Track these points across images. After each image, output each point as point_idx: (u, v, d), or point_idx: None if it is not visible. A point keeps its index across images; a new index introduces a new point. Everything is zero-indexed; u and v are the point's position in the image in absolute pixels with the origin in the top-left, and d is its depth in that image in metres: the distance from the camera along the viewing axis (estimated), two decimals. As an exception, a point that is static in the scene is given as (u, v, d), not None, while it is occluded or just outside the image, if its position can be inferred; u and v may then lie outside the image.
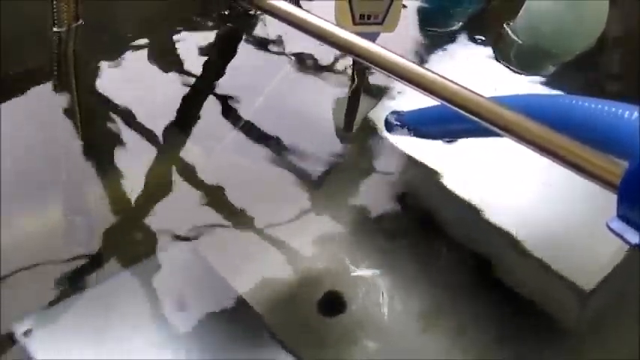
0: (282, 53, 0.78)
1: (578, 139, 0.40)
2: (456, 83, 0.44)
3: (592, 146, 0.39)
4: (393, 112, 0.69)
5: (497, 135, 0.42)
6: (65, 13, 0.72)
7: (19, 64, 0.70)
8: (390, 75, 0.47)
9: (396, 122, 0.68)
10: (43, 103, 0.67)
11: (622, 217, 0.37)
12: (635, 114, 0.42)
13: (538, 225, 0.62)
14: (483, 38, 0.83)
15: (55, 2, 0.71)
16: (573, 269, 0.58)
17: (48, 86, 0.69)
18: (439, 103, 0.46)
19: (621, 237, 0.37)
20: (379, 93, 0.74)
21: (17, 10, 0.73)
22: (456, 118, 0.44)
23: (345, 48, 0.49)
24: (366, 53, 0.47)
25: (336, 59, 0.77)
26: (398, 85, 0.73)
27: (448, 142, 0.68)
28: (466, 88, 0.44)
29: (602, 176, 0.38)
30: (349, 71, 0.75)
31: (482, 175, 0.67)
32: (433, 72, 0.45)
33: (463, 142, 0.67)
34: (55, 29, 0.73)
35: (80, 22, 0.74)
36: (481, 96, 0.43)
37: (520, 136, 0.41)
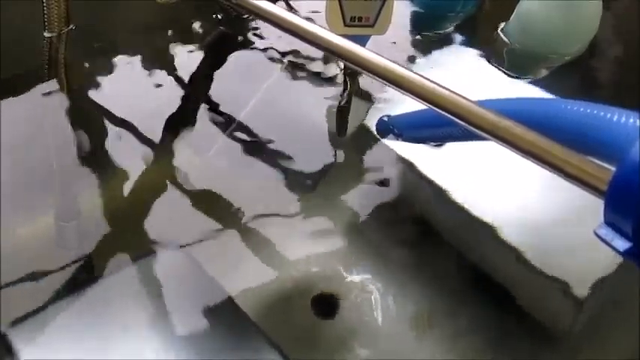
0: (276, 56, 0.78)
1: (566, 142, 0.39)
2: (443, 87, 0.43)
3: (580, 150, 0.39)
4: (384, 116, 0.68)
5: (484, 139, 0.42)
6: (56, 17, 0.72)
7: (17, 66, 0.70)
8: (377, 78, 0.46)
9: (385, 126, 0.68)
10: (37, 107, 0.67)
11: (609, 223, 0.37)
12: (624, 118, 0.42)
13: (534, 228, 0.62)
14: (476, 42, 0.83)
15: (45, 7, 0.71)
16: (569, 273, 0.58)
17: (43, 89, 0.69)
18: (426, 107, 0.45)
19: (609, 244, 0.37)
20: (373, 96, 0.74)
21: (17, 11, 0.74)
22: (442, 122, 0.43)
23: (332, 50, 0.48)
24: (353, 56, 0.47)
25: (330, 61, 0.77)
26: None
27: (436, 145, 0.67)
28: (454, 92, 0.43)
29: (588, 181, 0.37)
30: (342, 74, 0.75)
31: (477, 178, 0.66)
32: (420, 75, 0.44)
33: (459, 146, 0.66)
34: (45, 34, 0.73)
35: (71, 26, 0.74)
36: (468, 100, 0.42)
37: (506, 140, 0.40)
